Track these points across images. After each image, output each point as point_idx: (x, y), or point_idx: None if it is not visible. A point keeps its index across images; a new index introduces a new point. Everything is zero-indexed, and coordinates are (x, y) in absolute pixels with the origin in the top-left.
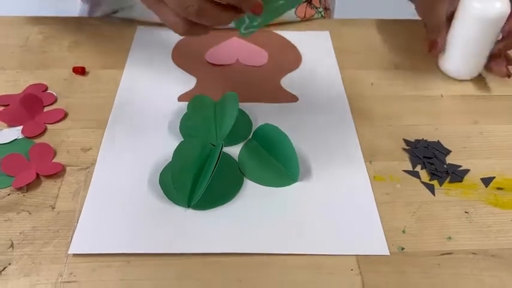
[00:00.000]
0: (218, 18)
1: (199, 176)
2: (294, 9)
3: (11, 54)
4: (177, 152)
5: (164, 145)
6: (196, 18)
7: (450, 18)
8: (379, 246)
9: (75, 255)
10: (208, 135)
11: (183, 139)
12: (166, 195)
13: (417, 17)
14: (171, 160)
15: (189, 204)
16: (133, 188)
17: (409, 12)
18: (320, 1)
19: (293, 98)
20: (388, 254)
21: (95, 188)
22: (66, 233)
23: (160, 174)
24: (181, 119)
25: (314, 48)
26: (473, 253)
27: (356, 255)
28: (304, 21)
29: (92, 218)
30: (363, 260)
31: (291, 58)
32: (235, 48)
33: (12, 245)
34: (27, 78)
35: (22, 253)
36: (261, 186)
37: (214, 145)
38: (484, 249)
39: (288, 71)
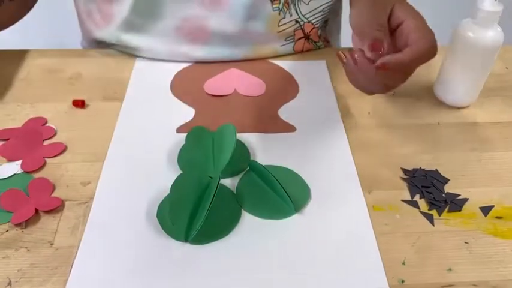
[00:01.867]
0: None
1: (197, 210)
2: (292, 45)
3: (11, 87)
4: (175, 185)
5: (162, 178)
6: None
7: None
8: (378, 279)
9: None
10: (206, 168)
11: (181, 172)
12: (164, 229)
13: None
14: (168, 193)
15: (186, 239)
16: (130, 223)
17: None
18: (319, 36)
19: (291, 128)
20: (387, 287)
21: (93, 224)
22: (64, 270)
23: (158, 207)
24: (180, 151)
25: (311, 77)
26: (474, 285)
27: None
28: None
29: (90, 255)
30: None
31: (288, 88)
32: (233, 78)
33: (10, 283)
34: (27, 112)
35: None
36: (258, 219)
37: (212, 177)
38: (485, 281)
39: (286, 100)
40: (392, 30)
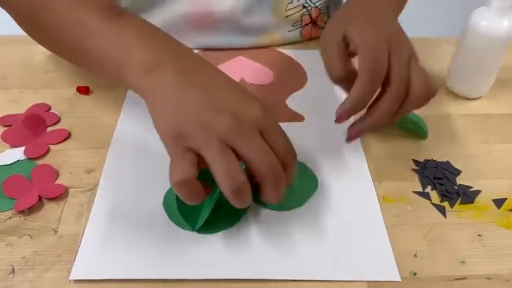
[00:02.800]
0: (247, 201)
1: (205, 199)
2: (299, 31)
3: (14, 74)
4: None
5: (168, 166)
6: (232, 193)
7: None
8: (389, 271)
9: (77, 281)
10: (206, 177)
11: None
12: (171, 218)
13: (423, 35)
14: None
15: (193, 228)
16: (136, 211)
17: (417, 31)
18: (326, 21)
19: (299, 118)
20: (399, 279)
21: (98, 212)
22: (68, 258)
23: (165, 196)
24: None
25: (319, 66)
26: (488, 278)
27: (367, 281)
28: (308, 40)
29: (94, 242)
30: (374, 286)
31: (296, 77)
32: (240, 67)
33: (13, 271)
34: (31, 98)
35: (23, 279)
36: (267, 209)
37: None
38: (498, 274)
39: (294, 89)
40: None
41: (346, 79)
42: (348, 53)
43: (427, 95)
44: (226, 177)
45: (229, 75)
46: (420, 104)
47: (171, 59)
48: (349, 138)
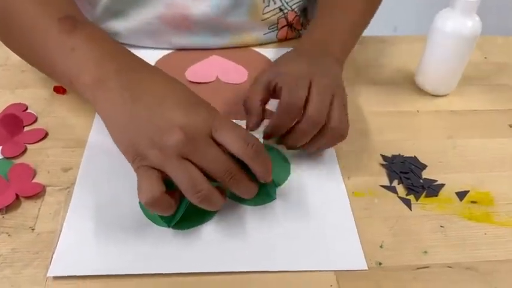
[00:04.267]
0: (218, 205)
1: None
2: (275, 33)
3: None
4: None
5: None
6: (200, 202)
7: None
8: (357, 261)
9: (55, 277)
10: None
11: None
12: (146, 216)
13: (395, 34)
14: None
15: (169, 225)
16: (113, 209)
17: (388, 30)
18: (302, 24)
19: (272, 115)
20: (366, 268)
21: (75, 209)
22: (46, 255)
23: None
24: None
25: None
26: (449, 266)
27: (335, 270)
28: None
29: (72, 240)
30: (341, 276)
31: None
32: (215, 66)
33: None
34: (7, 98)
35: (2, 276)
36: (240, 204)
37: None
38: (459, 263)
39: None
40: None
41: (256, 113)
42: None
43: (341, 133)
44: (191, 189)
45: (205, 74)
46: (332, 144)
47: (116, 75)
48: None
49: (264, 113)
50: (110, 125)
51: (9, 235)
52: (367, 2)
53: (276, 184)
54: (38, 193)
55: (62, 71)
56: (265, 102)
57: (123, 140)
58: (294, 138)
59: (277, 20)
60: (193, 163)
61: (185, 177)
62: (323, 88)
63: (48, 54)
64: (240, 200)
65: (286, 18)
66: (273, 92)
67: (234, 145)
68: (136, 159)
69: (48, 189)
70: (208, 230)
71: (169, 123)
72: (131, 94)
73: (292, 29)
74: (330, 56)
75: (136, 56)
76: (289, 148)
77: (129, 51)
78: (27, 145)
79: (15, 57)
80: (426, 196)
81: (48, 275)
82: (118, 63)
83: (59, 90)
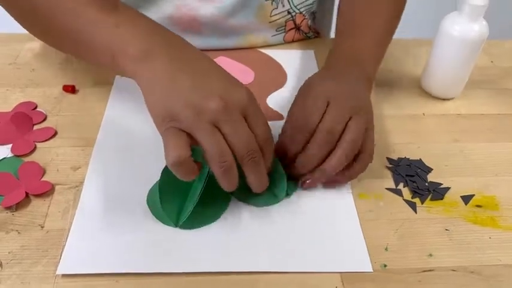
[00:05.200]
0: (234, 183)
1: (187, 196)
2: (282, 36)
3: (0, 72)
4: (165, 171)
5: (152, 164)
6: (223, 173)
7: None
8: (362, 263)
9: (63, 275)
10: (196, 154)
11: None
12: (154, 215)
13: (400, 37)
14: (159, 179)
15: (176, 224)
16: (121, 208)
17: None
18: (309, 27)
19: (279, 116)
20: (372, 270)
21: (83, 208)
22: (55, 253)
23: (148, 193)
24: None
25: (299, 66)
26: (453, 270)
27: (340, 272)
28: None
29: (80, 238)
30: (347, 277)
31: (276, 77)
32: (222, 66)
33: (0, 265)
34: (17, 96)
35: (11, 273)
36: (247, 205)
37: (202, 164)
38: (463, 266)
39: (274, 89)
40: None
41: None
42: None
43: (367, 164)
44: (217, 157)
45: None
46: (363, 169)
47: (164, 48)
48: (302, 187)
49: None
50: (148, 92)
51: (18, 232)
52: (393, 7)
53: (284, 190)
54: (47, 191)
55: (103, 47)
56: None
57: (159, 103)
58: (302, 158)
59: (285, 22)
60: (222, 134)
61: (214, 144)
62: (361, 122)
63: (85, 32)
64: (246, 200)
65: (294, 21)
66: None
67: (261, 132)
68: (166, 120)
69: (57, 187)
70: (215, 230)
71: (211, 91)
72: (177, 66)
73: (300, 32)
74: (361, 76)
75: (176, 34)
76: (297, 175)
77: (170, 30)
78: (36, 143)
79: (24, 56)
80: (431, 199)
81: (57, 272)
82: (164, 38)
83: (68, 89)
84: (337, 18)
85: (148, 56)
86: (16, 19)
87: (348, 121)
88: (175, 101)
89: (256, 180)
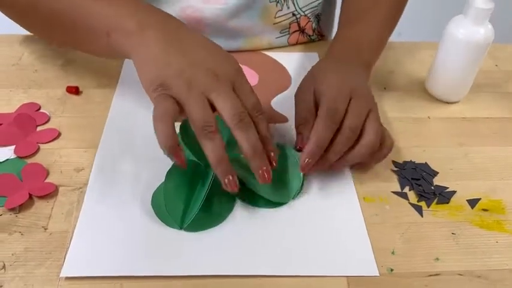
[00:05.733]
0: (219, 151)
1: (192, 198)
2: (286, 38)
3: (3, 73)
4: (170, 173)
5: (156, 166)
6: (204, 137)
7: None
8: (368, 267)
9: (67, 278)
10: (201, 157)
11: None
12: (159, 217)
13: (405, 40)
14: (163, 181)
15: (181, 227)
16: (125, 210)
17: (395, 35)
18: (314, 29)
19: (283, 119)
20: (378, 274)
21: (87, 210)
22: (58, 255)
23: (153, 195)
24: None
25: (303, 69)
26: (460, 274)
27: (346, 276)
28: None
29: (84, 240)
30: (353, 281)
31: (281, 79)
32: None
33: (4, 267)
34: (21, 98)
35: (14, 275)
36: (252, 207)
37: (206, 167)
38: (470, 270)
39: (278, 91)
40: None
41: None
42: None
43: (376, 146)
44: (202, 122)
45: None
46: (371, 152)
47: (157, 22)
48: (302, 171)
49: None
50: (141, 64)
51: (22, 234)
52: (393, 4)
53: (293, 192)
54: (50, 193)
55: (98, 27)
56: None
57: (152, 73)
58: (333, 153)
59: (289, 24)
60: (210, 101)
61: (201, 110)
62: (362, 102)
63: (79, 14)
64: (253, 203)
65: (299, 23)
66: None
67: (249, 101)
68: (159, 89)
69: (60, 189)
70: (220, 233)
71: (202, 61)
72: (172, 37)
73: (304, 34)
74: (361, 64)
75: (171, 14)
76: (321, 168)
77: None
78: (40, 145)
79: (27, 57)
80: (437, 203)
81: (61, 275)
82: (158, 15)
83: (72, 90)
84: (341, 8)
85: (144, 29)
86: (12, 17)
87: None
88: (167, 69)
89: (249, 147)
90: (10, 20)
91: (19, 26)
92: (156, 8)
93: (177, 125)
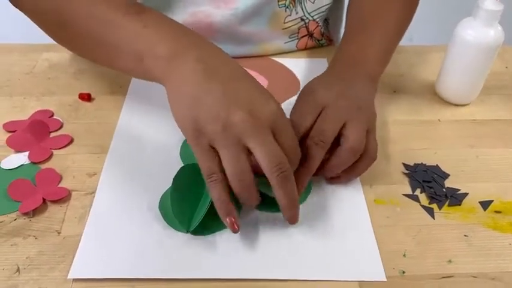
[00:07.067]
0: (251, 202)
1: (198, 202)
2: (295, 43)
3: (17, 81)
4: (177, 177)
5: (164, 170)
6: (239, 191)
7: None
8: (376, 272)
9: (79, 280)
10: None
11: (183, 164)
12: (166, 221)
13: (414, 43)
14: (170, 186)
15: (188, 230)
16: (133, 213)
17: (407, 39)
18: (322, 34)
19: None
20: (385, 279)
21: (96, 213)
22: (72, 258)
23: (160, 199)
24: (182, 144)
25: (312, 74)
26: (474, 276)
27: (358, 281)
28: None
29: (93, 242)
30: (365, 286)
31: (289, 85)
32: None
33: (18, 270)
34: (34, 105)
35: (28, 278)
36: (260, 211)
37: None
38: (484, 273)
39: (287, 97)
40: None
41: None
42: None
43: (374, 157)
44: (236, 178)
45: None
46: (365, 169)
47: (193, 48)
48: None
49: None
50: (176, 99)
51: (36, 238)
52: (403, 8)
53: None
54: (64, 197)
55: (130, 50)
56: None
57: (187, 114)
58: (333, 169)
59: (298, 29)
60: (249, 149)
61: (234, 163)
62: (360, 123)
63: (112, 36)
64: (260, 207)
65: (307, 28)
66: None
67: (289, 147)
68: (194, 133)
69: (73, 193)
70: (228, 237)
71: (239, 103)
72: (206, 68)
73: (313, 39)
74: (363, 76)
75: (203, 36)
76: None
77: (196, 32)
78: (53, 150)
79: (41, 65)
80: (449, 205)
81: (68, 277)
82: (192, 39)
83: (84, 97)
84: (346, 17)
85: (178, 56)
86: (46, 31)
87: (344, 125)
88: (202, 111)
89: (286, 198)
90: (24, 29)
91: (33, 35)
92: (190, 30)
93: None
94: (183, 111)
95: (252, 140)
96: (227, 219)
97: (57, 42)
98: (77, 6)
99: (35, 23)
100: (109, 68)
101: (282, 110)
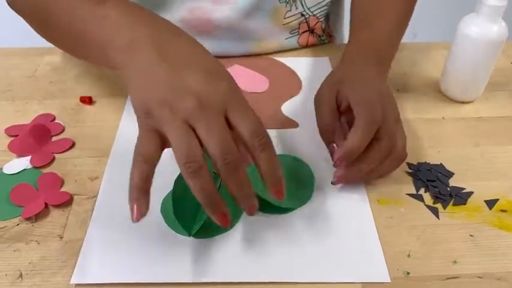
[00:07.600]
0: (206, 188)
1: (200, 205)
2: (296, 38)
3: (19, 85)
4: (179, 180)
5: (166, 173)
6: (189, 175)
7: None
8: (380, 273)
9: (80, 285)
10: (209, 163)
11: None
12: (168, 224)
13: (418, 40)
14: (172, 189)
15: (189, 233)
16: None
17: (408, 36)
18: (323, 30)
19: (293, 124)
20: (389, 281)
21: (98, 217)
22: (74, 263)
23: (162, 202)
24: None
25: (314, 74)
26: (479, 277)
27: (362, 282)
28: (304, 47)
29: (95, 247)
30: (368, 286)
31: (291, 84)
32: (237, 75)
33: (21, 276)
34: (36, 108)
35: (31, 283)
36: (262, 213)
37: (215, 172)
38: (490, 273)
39: (289, 97)
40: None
41: (333, 132)
42: (339, 110)
43: (402, 160)
44: (184, 157)
45: None
46: (396, 166)
47: (150, 38)
48: (335, 183)
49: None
50: (131, 85)
51: (38, 243)
52: (404, 4)
53: (301, 198)
54: (66, 202)
55: (94, 40)
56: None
57: (138, 97)
58: (367, 163)
59: (299, 24)
60: (196, 134)
61: (183, 144)
62: (391, 112)
63: (77, 26)
64: (262, 209)
65: (308, 24)
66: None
67: (246, 129)
68: (142, 115)
69: (75, 198)
70: (231, 239)
71: (187, 87)
72: (159, 55)
73: (314, 35)
74: (380, 67)
75: (166, 20)
76: (353, 180)
77: (159, 16)
78: (55, 154)
79: (42, 69)
80: (454, 204)
81: (71, 282)
82: (150, 27)
83: (85, 100)
84: (350, 11)
85: (134, 47)
86: (37, 30)
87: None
88: (151, 95)
89: (235, 187)
90: (26, 34)
91: (35, 39)
92: (152, 19)
93: None
94: (135, 96)
95: (198, 126)
96: (217, 216)
97: (48, 41)
98: (61, 3)
99: (28, 23)
100: (86, 61)
101: (235, 87)
